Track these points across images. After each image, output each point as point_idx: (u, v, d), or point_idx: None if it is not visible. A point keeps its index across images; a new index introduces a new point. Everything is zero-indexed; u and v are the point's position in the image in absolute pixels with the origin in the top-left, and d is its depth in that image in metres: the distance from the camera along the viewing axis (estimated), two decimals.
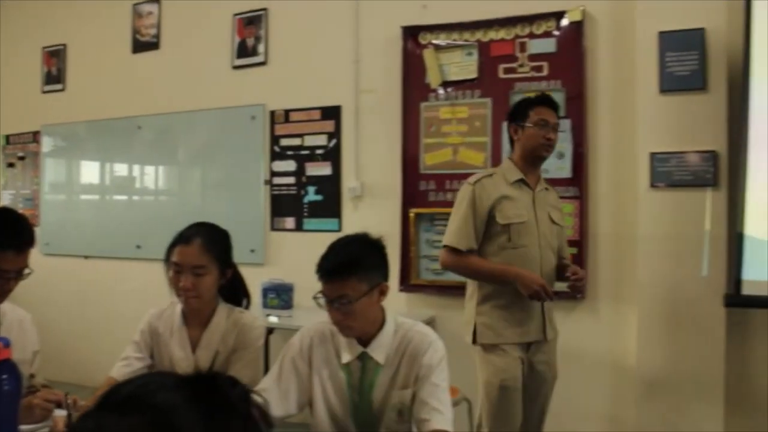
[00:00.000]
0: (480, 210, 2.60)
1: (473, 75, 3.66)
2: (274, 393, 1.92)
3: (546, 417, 2.76)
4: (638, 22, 3.33)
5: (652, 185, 3.22)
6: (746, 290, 2.92)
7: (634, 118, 3.32)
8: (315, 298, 1.88)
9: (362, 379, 1.93)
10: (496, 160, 3.57)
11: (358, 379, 1.93)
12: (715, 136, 3.14)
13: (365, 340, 1.92)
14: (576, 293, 2.80)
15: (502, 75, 3.62)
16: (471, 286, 2.72)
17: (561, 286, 2.79)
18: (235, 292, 2.27)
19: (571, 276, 2.65)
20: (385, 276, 1.93)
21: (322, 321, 1.97)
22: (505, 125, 3.53)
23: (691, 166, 3.17)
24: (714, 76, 3.16)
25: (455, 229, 2.62)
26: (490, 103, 3.63)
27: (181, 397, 0.76)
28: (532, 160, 2.69)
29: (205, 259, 2.07)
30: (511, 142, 2.75)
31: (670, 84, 3.22)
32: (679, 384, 3.16)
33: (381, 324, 1.94)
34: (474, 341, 2.65)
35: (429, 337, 1.95)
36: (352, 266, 1.85)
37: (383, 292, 1.92)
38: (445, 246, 2.65)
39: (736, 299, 2.93)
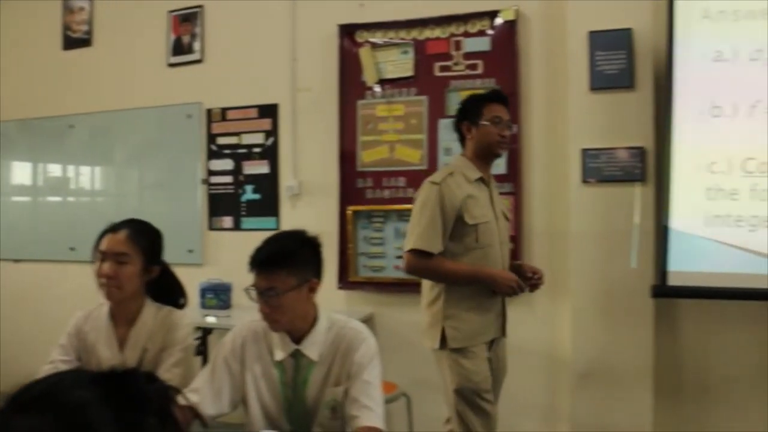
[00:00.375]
0: (448, 210, 2.52)
1: (409, 73, 3.68)
2: (207, 392, 1.92)
3: None
4: (569, 22, 3.40)
5: (584, 181, 3.30)
6: (673, 281, 3.01)
7: (565, 115, 3.40)
8: (246, 290, 1.88)
9: (295, 376, 1.92)
10: (432, 158, 3.61)
11: (292, 376, 1.93)
12: (643, 133, 3.24)
13: (298, 338, 1.92)
14: (534, 291, 2.75)
15: (437, 73, 3.65)
16: (433, 290, 2.61)
17: None
18: (170, 292, 2.23)
19: (533, 275, 2.68)
20: (316, 273, 1.93)
21: (255, 319, 1.96)
22: (441, 123, 3.62)
23: (621, 161, 3.26)
24: (641, 74, 3.27)
25: (423, 232, 2.51)
26: (426, 100, 3.66)
27: (93, 394, 0.74)
28: (486, 157, 2.66)
29: (128, 247, 2.06)
30: (462, 139, 2.70)
31: (600, 82, 3.31)
32: (611, 373, 3.26)
33: (313, 321, 1.93)
34: (442, 346, 2.55)
35: (362, 334, 1.95)
36: (282, 259, 1.85)
37: (313, 289, 1.92)
38: (411, 250, 2.53)
39: (663, 290, 3.02)
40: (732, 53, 2.99)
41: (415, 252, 2.52)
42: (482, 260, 2.55)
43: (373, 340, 1.96)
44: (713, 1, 3.01)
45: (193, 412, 1.89)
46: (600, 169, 3.28)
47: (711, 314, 3.31)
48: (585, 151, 3.30)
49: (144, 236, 2.12)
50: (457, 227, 2.53)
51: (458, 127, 2.70)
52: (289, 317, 1.88)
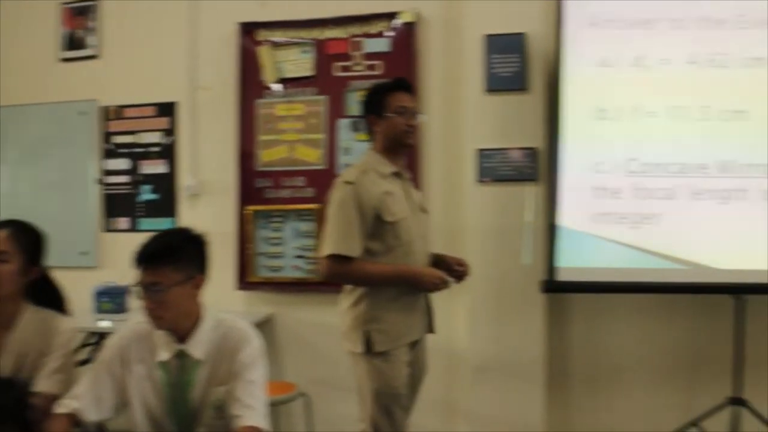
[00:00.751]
0: (365, 210, 2.39)
1: (309, 73, 3.68)
2: (88, 397, 1.87)
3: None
4: (466, 25, 3.48)
5: (479, 180, 3.38)
6: (562, 277, 3.11)
7: (462, 116, 3.47)
8: (131, 286, 1.86)
9: (180, 377, 1.89)
10: (331, 157, 3.62)
11: (176, 377, 1.89)
12: (535, 134, 3.34)
13: (182, 336, 1.88)
14: (460, 282, 2.68)
15: (337, 73, 3.66)
16: (355, 291, 2.48)
17: None
18: (49, 298, 2.17)
19: (459, 268, 2.61)
20: (202, 269, 1.92)
21: (139, 321, 1.93)
22: (341, 123, 3.63)
23: (514, 162, 3.36)
24: (534, 77, 3.38)
25: (340, 235, 2.39)
26: (325, 100, 3.66)
27: None
28: (396, 149, 2.54)
29: (8, 245, 2.02)
30: (370, 134, 2.59)
31: (495, 84, 3.40)
32: (505, 367, 3.35)
33: (198, 319, 1.90)
34: (366, 350, 2.43)
35: (247, 335, 1.94)
36: (167, 254, 1.84)
37: (198, 285, 1.91)
38: (329, 255, 2.40)
39: (552, 285, 3.12)
40: (616, 59, 3.13)
41: (333, 257, 2.39)
42: (405, 258, 2.46)
43: (258, 341, 1.95)
44: (600, 10, 3.14)
45: (73, 419, 1.85)
46: (494, 168, 3.37)
47: (599, 307, 3.47)
48: (480, 151, 3.38)
49: (25, 236, 2.08)
50: (377, 226, 2.41)
51: (365, 121, 2.60)
52: (173, 314, 1.85)
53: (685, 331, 3.47)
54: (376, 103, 2.54)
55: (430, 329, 2.67)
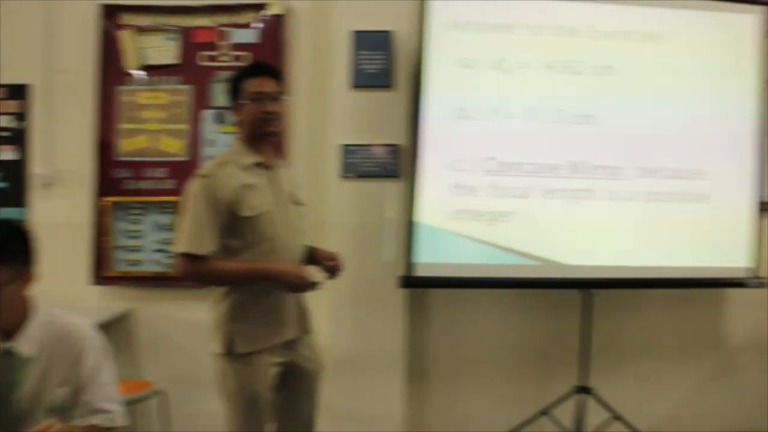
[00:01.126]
0: (218, 205, 2.26)
1: (174, 61, 3.56)
2: None
3: (317, 412, 2.60)
4: (335, 20, 3.48)
5: (342, 176, 3.39)
6: (421, 272, 3.18)
7: (328, 111, 3.47)
8: None
9: (7, 375, 1.78)
10: (194, 149, 3.53)
11: (3, 376, 1.78)
12: (399, 131, 3.39)
13: (9, 333, 1.78)
14: (334, 278, 2.54)
15: (203, 63, 3.56)
16: (219, 290, 2.38)
17: None
18: None
19: (328, 262, 2.49)
20: (29, 263, 1.81)
21: None
22: (206, 113, 3.55)
23: (378, 158, 3.39)
24: (399, 75, 3.42)
25: (190, 233, 2.26)
26: (190, 90, 3.56)
27: None
28: (258, 138, 2.40)
29: None
30: (236, 123, 2.47)
31: (361, 80, 3.42)
32: (365, 362, 3.39)
33: (26, 315, 1.80)
34: (226, 351, 2.33)
35: (86, 333, 1.86)
36: None
37: (27, 280, 1.80)
38: (181, 254, 2.27)
39: (410, 281, 3.18)
40: (477, 61, 3.22)
41: (185, 255, 2.26)
42: (269, 254, 2.32)
43: (99, 340, 1.87)
44: (463, 12, 3.21)
45: None
46: (358, 164, 3.39)
47: (459, 303, 3.57)
48: (344, 146, 3.39)
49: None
50: (235, 222, 2.29)
51: (231, 111, 2.47)
52: (6, 313, 1.75)
53: (537, 324, 3.64)
54: (233, 91, 2.42)
55: (305, 329, 2.51)
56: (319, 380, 2.58)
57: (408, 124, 3.34)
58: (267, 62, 2.65)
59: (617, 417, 3.39)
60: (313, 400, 2.57)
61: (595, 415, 3.41)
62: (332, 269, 2.50)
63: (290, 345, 2.43)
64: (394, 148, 3.38)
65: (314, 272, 2.36)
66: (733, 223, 3.47)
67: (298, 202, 2.52)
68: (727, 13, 3.45)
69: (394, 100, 3.41)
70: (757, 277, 3.50)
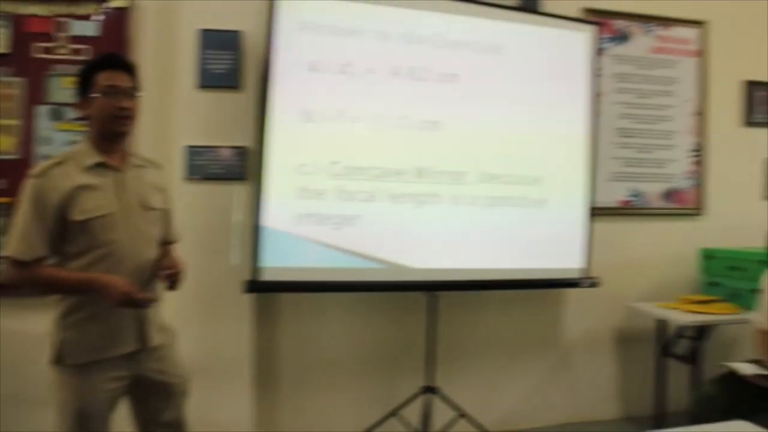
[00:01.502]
0: (47, 208, 2.12)
1: (4, 50, 3.33)
2: None
3: (185, 428, 2.46)
4: (182, 17, 3.38)
5: (188, 178, 3.30)
6: (267, 276, 3.14)
7: (174, 111, 3.36)
8: None
9: None
10: (26, 146, 3.30)
11: None
12: (246, 133, 3.34)
13: None
14: (173, 287, 2.38)
15: (38, 54, 3.35)
16: (55, 296, 2.23)
17: None
18: None
19: (167, 270, 2.32)
20: None
21: None
22: (40, 109, 3.33)
23: (224, 160, 3.33)
24: (247, 76, 3.38)
25: (18, 236, 2.12)
26: (22, 83, 3.33)
27: None
28: (109, 136, 2.23)
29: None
30: (83, 119, 2.28)
31: (208, 81, 3.35)
32: (213, 369, 3.31)
33: None
34: (57, 361, 2.18)
35: None
36: None
37: None
38: (8, 258, 2.12)
39: (256, 285, 3.13)
40: (324, 64, 3.22)
41: (12, 261, 2.13)
42: (105, 261, 2.16)
43: None
44: (311, 15, 3.21)
45: None
46: (204, 166, 3.31)
47: (307, 306, 3.57)
48: (190, 148, 3.30)
49: None
50: (66, 225, 2.14)
51: (77, 106, 2.28)
52: None
53: (385, 327, 3.70)
54: (83, 84, 2.24)
55: (147, 341, 2.29)
56: (182, 394, 2.44)
57: (255, 126, 3.30)
58: (121, 55, 2.51)
59: (462, 414, 3.51)
60: (176, 415, 2.43)
61: (442, 414, 3.51)
62: (172, 278, 2.35)
63: (133, 357, 2.27)
64: (241, 150, 3.33)
65: (151, 286, 2.23)
66: (567, 227, 3.69)
67: (149, 207, 2.33)
68: (563, 30, 3.68)
69: (241, 101, 3.36)
70: (589, 277, 3.73)
